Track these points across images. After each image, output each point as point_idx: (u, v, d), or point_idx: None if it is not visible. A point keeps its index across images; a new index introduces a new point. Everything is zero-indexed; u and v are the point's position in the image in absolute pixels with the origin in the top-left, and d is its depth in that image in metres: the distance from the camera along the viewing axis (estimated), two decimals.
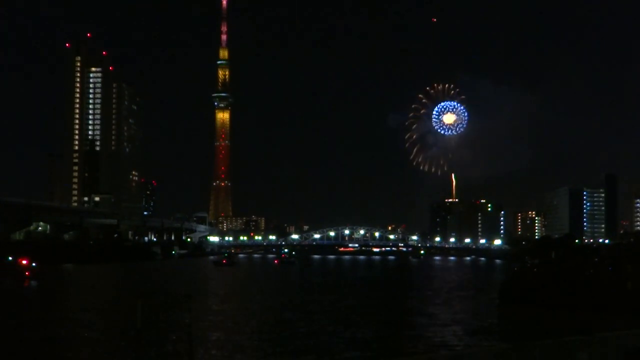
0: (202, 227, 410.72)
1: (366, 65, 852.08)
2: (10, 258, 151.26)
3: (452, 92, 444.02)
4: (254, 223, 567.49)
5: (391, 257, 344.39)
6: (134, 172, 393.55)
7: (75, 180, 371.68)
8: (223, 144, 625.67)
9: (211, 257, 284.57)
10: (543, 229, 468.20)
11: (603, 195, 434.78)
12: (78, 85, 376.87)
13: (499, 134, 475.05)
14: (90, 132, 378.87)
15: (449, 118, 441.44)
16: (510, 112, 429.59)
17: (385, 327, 70.82)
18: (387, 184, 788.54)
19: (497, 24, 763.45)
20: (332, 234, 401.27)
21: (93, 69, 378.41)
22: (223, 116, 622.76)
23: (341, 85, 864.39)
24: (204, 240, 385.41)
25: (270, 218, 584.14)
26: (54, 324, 70.77)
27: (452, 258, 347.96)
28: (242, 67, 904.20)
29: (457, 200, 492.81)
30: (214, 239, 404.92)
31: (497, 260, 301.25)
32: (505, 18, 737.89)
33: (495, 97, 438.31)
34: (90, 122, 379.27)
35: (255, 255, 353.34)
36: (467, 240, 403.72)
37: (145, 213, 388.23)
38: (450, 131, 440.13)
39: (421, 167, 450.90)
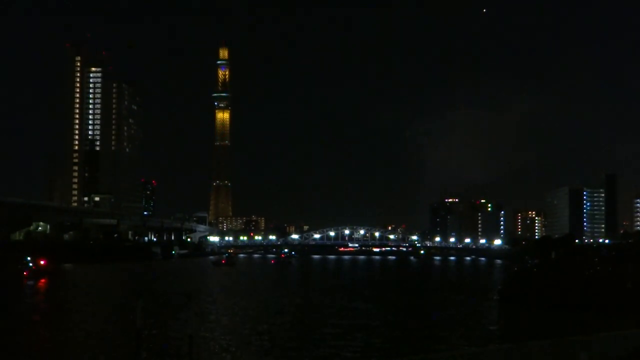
0: (202, 227, 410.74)
1: (366, 64, 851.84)
2: (28, 258, 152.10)
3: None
4: (254, 223, 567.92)
5: (391, 257, 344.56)
6: (133, 172, 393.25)
7: (75, 180, 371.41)
8: (223, 144, 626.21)
9: (211, 257, 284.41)
10: (543, 229, 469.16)
11: (603, 195, 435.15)
12: (78, 85, 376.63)
13: (499, 134, 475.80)
14: (90, 132, 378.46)
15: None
16: (511, 112, 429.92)
17: (384, 327, 70.70)
18: (387, 184, 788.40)
19: (499, 23, 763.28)
20: (332, 234, 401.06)
21: (93, 69, 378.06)
22: (223, 116, 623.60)
23: (341, 84, 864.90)
24: (203, 240, 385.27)
25: (270, 218, 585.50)
26: (50, 325, 70.71)
27: (452, 258, 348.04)
28: (242, 67, 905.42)
29: (457, 200, 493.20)
30: (214, 239, 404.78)
31: (497, 260, 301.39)
32: (507, 18, 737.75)
33: (496, 96, 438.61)
34: (90, 122, 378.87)
35: (255, 255, 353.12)
36: (467, 240, 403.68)
37: (145, 213, 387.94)
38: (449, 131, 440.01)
39: (419, 168, 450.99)
